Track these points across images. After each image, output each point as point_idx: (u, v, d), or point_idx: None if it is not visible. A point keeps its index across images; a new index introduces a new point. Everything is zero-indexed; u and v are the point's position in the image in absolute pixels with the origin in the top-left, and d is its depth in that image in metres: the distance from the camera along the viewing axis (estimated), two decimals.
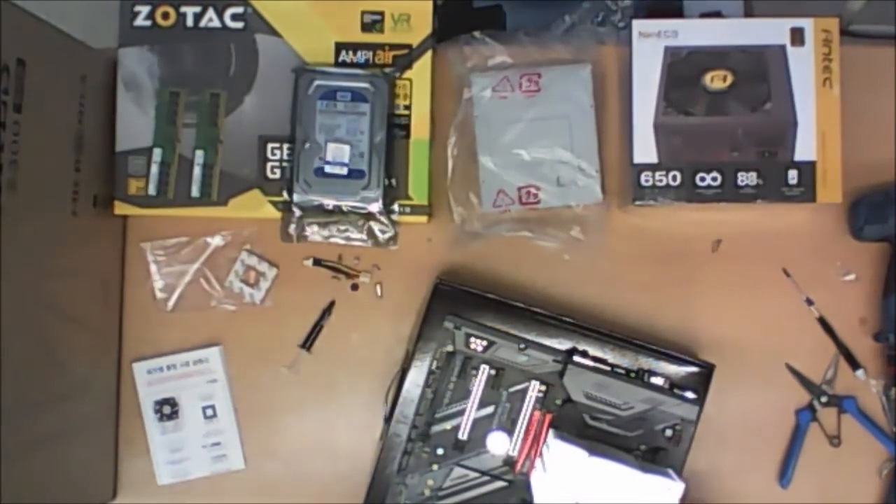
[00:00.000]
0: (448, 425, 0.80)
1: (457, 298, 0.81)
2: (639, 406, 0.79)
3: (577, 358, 0.79)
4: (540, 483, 0.77)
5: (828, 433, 0.87)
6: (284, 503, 0.89)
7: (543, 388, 0.80)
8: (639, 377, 0.79)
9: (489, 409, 0.80)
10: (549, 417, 0.79)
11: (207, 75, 0.87)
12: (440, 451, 0.80)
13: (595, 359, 0.80)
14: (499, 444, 0.80)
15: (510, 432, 0.80)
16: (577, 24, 0.90)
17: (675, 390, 0.79)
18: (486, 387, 0.80)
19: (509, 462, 0.80)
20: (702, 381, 0.80)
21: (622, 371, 0.80)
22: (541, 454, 0.78)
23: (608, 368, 0.79)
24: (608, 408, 0.79)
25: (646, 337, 0.82)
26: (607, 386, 0.79)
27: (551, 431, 0.78)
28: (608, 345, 0.80)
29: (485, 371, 0.80)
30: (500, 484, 0.80)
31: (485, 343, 0.80)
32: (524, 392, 0.80)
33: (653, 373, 0.79)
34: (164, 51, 0.87)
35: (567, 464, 0.73)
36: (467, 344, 0.80)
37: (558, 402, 0.80)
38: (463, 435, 0.80)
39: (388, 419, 0.81)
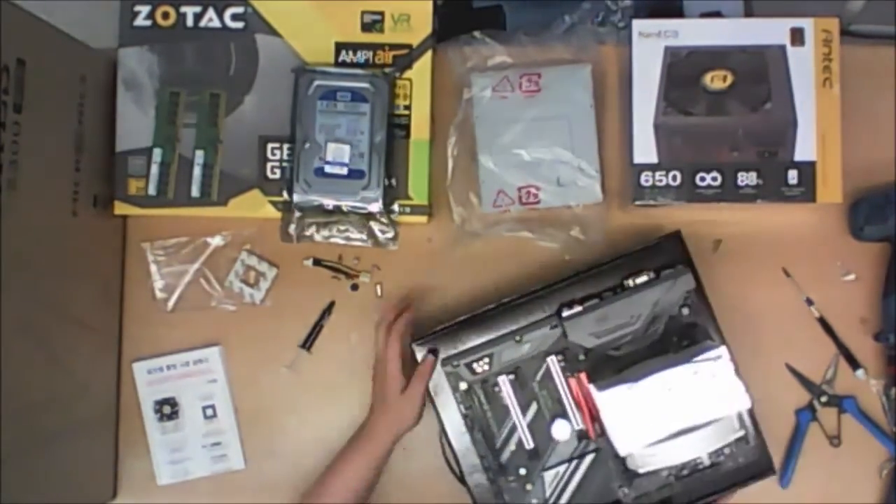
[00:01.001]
0: (512, 446, 0.80)
1: (436, 342, 0.80)
2: (644, 310, 0.78)
3: (566, 312, 0.79)
4: (617, 433, 0.76)
5: (828, 433, 0.87)
6: (284, 503, 0.89)
7: (560, 356, 0.79)
8: (625, 288, 0.79)
9: (533, 408, 0.80)
10: (582, 376, 0.79)
11: (207, 75, 0.87)
12: (522, 471, 0.80)
13: (581, 300, 0.79)
14: (563, 430, 0.80)
15: (563, 413, 0.79)
16: (577, 24, 0.89)
17: (662, 274, 0.79)
18: (515, 392, 0.80)
19: (583, 436, 0.80)
20: (676, 248, 0.80)
21: (610, 293, 0.79)
22: (598, 411, 0.77)
23: (597, 300, 0.79)
24: (622, 331, 0.78)
25: None
26: (607, 315, 0.78)
27: (591, 387, 0.77)
28: (585, 282, 0.80)
29: (504, 381, 0.80)
30: (589, 458, 0.80)
31: (486, 359, 0.80)
32: (547, 372, 0.79)
33: (635, 275, 0.79)
34: (164, 51, 0.87)
35: (624, 403, 0.74)
36: (472, 371, 0.80)
37: (580, 357, 0.79)
38: (529, 444, 0.80)
39: (462, 479, 0.80)
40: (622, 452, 0.76)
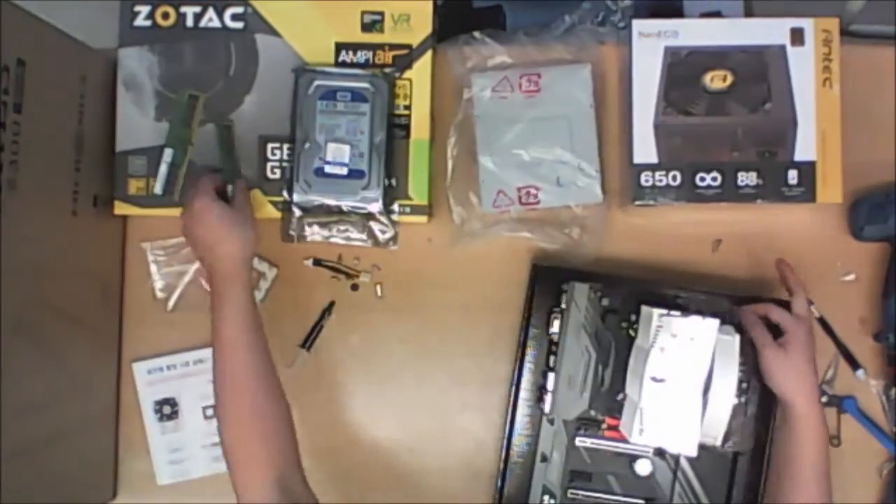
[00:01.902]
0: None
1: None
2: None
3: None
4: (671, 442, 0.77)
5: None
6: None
7: None
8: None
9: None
10: None
11: (207, 75, 0.87)
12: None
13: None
14: (644, 467, 0.83)
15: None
16: (577, 24, 0.89)
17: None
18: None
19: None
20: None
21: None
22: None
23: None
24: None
25: None
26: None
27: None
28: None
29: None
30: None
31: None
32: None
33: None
34: (164, 51, 0.87)
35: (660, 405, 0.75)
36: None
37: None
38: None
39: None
40: (693, 453, 0.76)
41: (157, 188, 0.86)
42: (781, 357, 0.76)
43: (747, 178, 0.83)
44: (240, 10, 0.87)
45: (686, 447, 0.75)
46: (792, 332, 0.77)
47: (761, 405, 0.81)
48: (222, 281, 0.76)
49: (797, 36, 0.83)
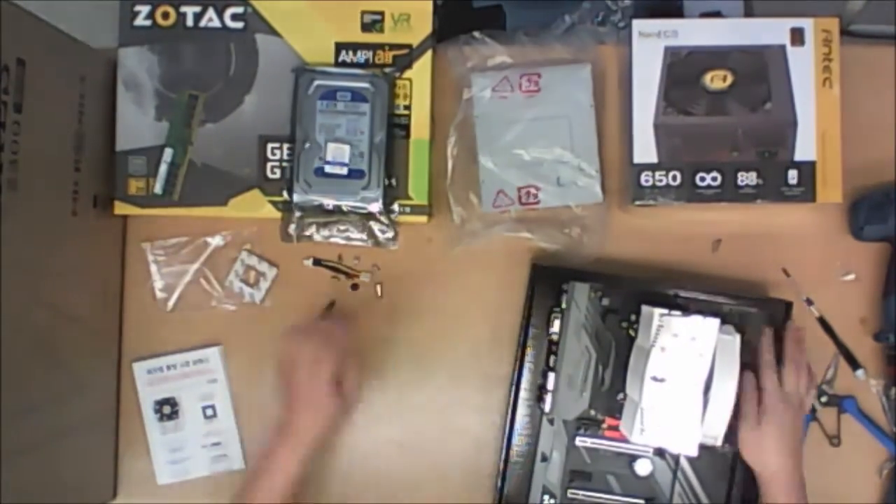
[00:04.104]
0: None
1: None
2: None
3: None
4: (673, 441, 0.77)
5: (828, 433, 0.87)
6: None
7: None
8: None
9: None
10: None
11: (207, 75, 0.87)
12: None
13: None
14: (644, 467, 0.83)
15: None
16: (577, 24, 0.89)
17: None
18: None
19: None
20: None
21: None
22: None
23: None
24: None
25: None
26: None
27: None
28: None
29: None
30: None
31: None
32: None
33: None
34: (164, 51, 0.87)
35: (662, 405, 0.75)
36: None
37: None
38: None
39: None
40: (693, 453, 0.76)
41: (157, 188, 0.86)
42: (753, 429, 0.76)
43: (747, 178, 0.83)
44: (240, 10, 0.87)
45: (686, 447, 0.75)
46: (770, 405, 0.76)
47: None
48: (285, 440, 0.75)
49: (797, 36, 0.83)
